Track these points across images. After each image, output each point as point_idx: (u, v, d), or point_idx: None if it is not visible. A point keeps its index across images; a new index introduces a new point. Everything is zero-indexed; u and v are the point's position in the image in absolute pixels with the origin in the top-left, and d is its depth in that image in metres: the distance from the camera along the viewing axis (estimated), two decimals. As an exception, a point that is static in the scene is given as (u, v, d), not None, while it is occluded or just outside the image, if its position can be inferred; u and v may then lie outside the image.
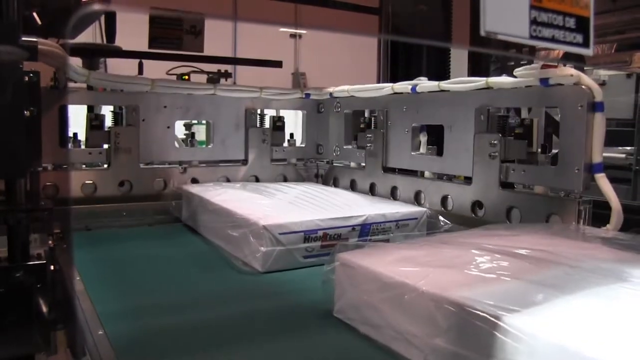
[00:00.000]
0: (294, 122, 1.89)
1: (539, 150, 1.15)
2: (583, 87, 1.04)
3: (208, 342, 0.78)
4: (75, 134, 1.44)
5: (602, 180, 1.04)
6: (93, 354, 0.72)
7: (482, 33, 0.61)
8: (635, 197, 2.75)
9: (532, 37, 0.63)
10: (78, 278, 0.99)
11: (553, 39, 0.65)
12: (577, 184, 1.06)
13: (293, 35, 6.94)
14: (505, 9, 0.61)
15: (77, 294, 0.94)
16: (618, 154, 3.00)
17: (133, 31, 1.93)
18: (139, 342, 0.79)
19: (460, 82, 1.28)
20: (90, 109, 1.45)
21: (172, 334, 0.81)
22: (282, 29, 6.53)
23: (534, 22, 0.63)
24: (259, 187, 1.46)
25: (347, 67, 5.42)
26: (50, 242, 0.93)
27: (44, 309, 0.81)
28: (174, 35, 1.62)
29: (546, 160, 1.14)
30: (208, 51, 1.74)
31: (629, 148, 2.97)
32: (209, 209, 1.30)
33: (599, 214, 1.07)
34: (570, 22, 0.66)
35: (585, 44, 0.68)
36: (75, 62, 1.75)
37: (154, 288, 1.02)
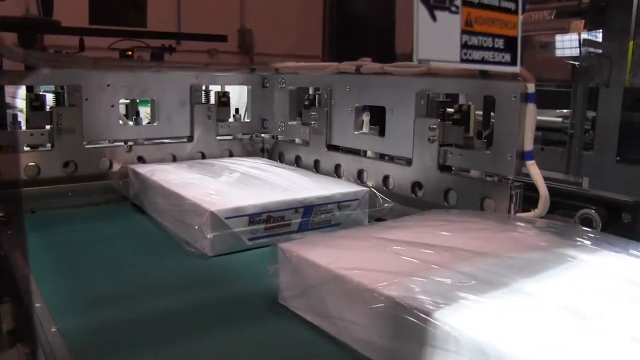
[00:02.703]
0: (238, 97, 1.89)
1: (475, 136, 1.21)
2: (519, 79, 1.09)
3: (162, 334, 0.81)
4: (14, 115, 1.41)
5: (532, 168, 1.10)
6: (46, 350, 0.72)
7: (415, 61, 0.64)
8: (569, 161, 2.82)
9: (462, 60, 0.67)
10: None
11: (483, 61, 0.69)
12: (510, 170, 1.12)
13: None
14: (437, 36, 0.64)
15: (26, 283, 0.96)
16: (555, 117, 3.06)
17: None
18: (90, 336, 0.81)
19: (403, 66, 1.31)
20: (29, 89, 1.42)
21: (127, 326, 0.83)
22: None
23: (464, 46, 0.66)
24: (204, 166, 1.47)
25: (295, 25, 5.33)
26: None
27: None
28: (116, 10, 1.58)
29: (482, 146, 1.19)
30: (152, 25, 1.70)
31: (565, 111, 3.01)
32: (158, 191, 1.31)
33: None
34: (500, 43, 0.70)
35: (513, 62, 0.72)
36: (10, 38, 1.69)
37: (103, 276, 1.03)
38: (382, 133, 1.38)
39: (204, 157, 1.63)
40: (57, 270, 1.04)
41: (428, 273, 0.75)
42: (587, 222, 1.07)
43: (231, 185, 1.31)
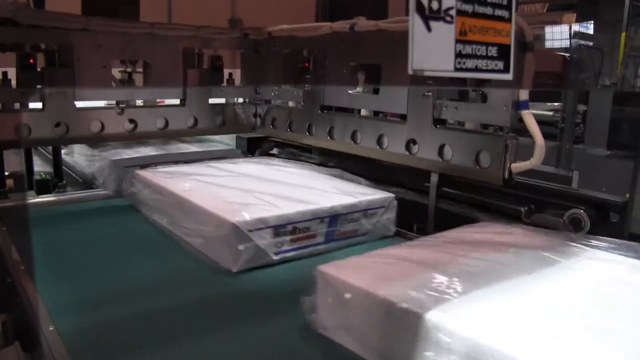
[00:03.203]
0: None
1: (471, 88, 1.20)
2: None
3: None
4: (4, 73, 1.39)
5: (528, 117, 1.10)
6: (44, 347, 0.73)
7: (410, 72, 0.64)
8: (560, 154, 2.82)
9: (456, 69, 0.67)
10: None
11: (476, 69, 0.69)
12: (505, 119, 1.11)
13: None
14: (432, 46, 0.65)
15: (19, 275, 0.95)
16: (546, 110, 3.05)
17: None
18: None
19: (398, 21, 1.30)
20: (19, 48, 1.40)
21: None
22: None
23: (458, 55, 0.66)
24: (213, 171, 1.43)
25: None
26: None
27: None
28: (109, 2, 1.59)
29: (477, 98, 1.19)
30: (144, 16, 1.68)
31: (556, 104, 3.01)
32: (171, 200, 1.24)
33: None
34: (493, 51, 0.70)
35: (506, 69, 0.73)
36: None
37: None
38: (376, 91, 1.38)
39: (196, 122, 1.62)
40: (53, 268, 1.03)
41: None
42: (576, 221, 1.07)
43: (249, 193, 1.23)
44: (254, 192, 1.22)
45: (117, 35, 1.48)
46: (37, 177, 1.55)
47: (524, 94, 1.11)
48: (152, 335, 0.82)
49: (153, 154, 1.66)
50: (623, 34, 3.05)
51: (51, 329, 0.78)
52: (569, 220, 1.08)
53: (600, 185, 1.85)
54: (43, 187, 1.54)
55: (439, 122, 1.23)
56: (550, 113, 3.05)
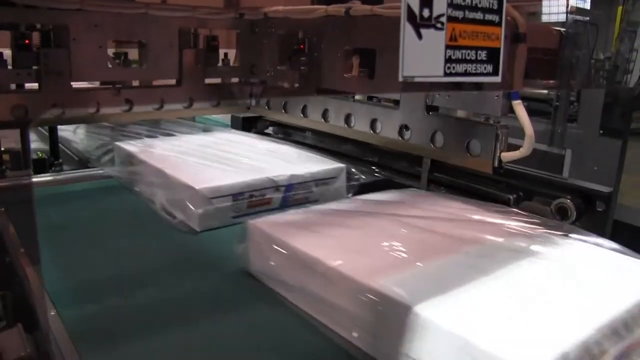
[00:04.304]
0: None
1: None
2: (508, 18, 1.09)
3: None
4: (0, 54, 1.39)
5: (519, 107, 1.12)
6: (44, 329, 0.74)
7: (400, 79, 0.65)
8: (553, 132, 2.82)
9: (446, 74, 0.68)
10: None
11: (466, 73, 0.70)
12: (497, 109, 1.13)
13: None
14: (422, 53, 0.67)
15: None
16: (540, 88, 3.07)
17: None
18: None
19: (393, 7, 1.30)
20: (14, 27, 1.40)
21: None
22: None
23: (448, 60, 0.68)
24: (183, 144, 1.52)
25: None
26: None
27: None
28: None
29: (469, 86, 1.20)
30: None
31: (551, 82, 3.03)
32: (147, 170, 1.35)
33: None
34: (482, 55, 0.71)
35: (495, 72, 0.74)
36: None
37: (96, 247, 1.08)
38: (371, 76, 1.38)
39: (192, 102, 1.63)
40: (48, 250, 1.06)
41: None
42: (562, 210, 1.11)
43: (214, 164, 1.35)
44: (219, 162, 1.35)
45: (112, 15, 1.48)
46: (33, 156, 1.56)
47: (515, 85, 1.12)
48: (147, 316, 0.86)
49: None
50: (619, 8, 3.03)
51: (52, 313, 0.80)
52: (555, 209, 1.11)
53: (593, 164, 1.87)
54: (39, 166, 1.56)
55: (432, 108, 1.25)
56: (545, 91, 3.05)
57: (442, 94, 1.21)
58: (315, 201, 1.29)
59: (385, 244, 0.88)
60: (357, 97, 1.43)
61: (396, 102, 1.32)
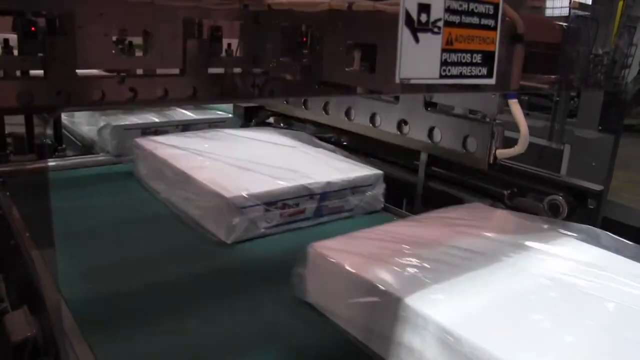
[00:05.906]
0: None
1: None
2: (507, 19, 1.11)
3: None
4: (6, 40, 1.41)
5: (514, 106, 1.14)
6: (50, 312, 0.76)
7: (397, 81, 0.68)
8: (552, 128, 2.83)
9: (442, 76, 0.70)
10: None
11: (461, 75, 0.72)
12: (493, 107, 1.16)
13: None
14: (419, 57, 0.69)
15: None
16: (541, 83, 3.06)
17: None
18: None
19: (395, 4, 1.32)
20: (20, 15, 1.41)
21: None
22: None
23: (444, 63, 0.69)
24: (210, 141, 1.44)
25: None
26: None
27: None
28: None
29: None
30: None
31: (552, 77, 3.03)
32: (170, 173, 1.26)
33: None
34: (477, 58, 0.73)
35: (489, 74, 0.76)
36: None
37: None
38: (372, 70, 1.40)
39: (195, 92, 1.65)
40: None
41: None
42: (554, 207, 1.13)
43: (244, 170, 1.24)
44: (248, 167, 1.24)
45: (118, 3, 1.49)
46: (37, 141, 1.58)
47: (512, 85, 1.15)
48: (151, 304, 0.87)
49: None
50: (620, 3, 3.03)
51: (57, 297, 0.82)
52: (548, 205, 1.14)
53: (591, 159, 1.89)
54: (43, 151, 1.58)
55: (430, 105, 1.27)
56: (546, 86, 3.04)
57: (440, 91, 1.24)
58: (350, 210, 1.23)
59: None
60: (358, 90, 1.45)
61: (396, 97, 1.34)
